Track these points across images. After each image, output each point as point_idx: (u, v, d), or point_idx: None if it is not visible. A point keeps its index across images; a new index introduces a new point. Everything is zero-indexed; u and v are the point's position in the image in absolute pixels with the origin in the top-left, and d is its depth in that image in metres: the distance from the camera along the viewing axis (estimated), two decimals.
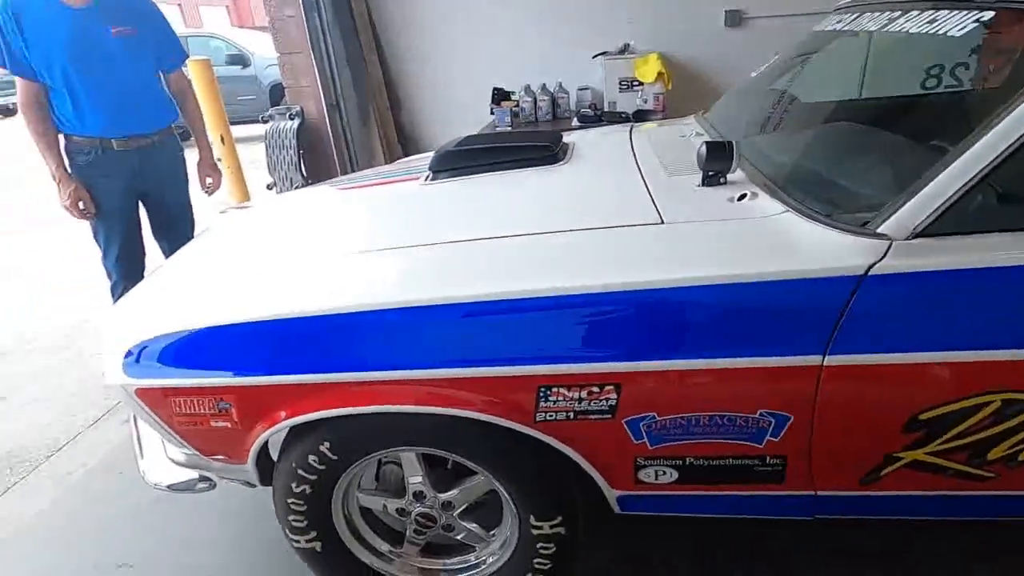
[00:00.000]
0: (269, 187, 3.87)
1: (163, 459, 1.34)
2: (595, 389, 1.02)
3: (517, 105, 3.66)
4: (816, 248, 0.98)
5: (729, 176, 1.26)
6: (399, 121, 4.11)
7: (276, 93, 8.61)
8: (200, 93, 3.38)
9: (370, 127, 3.98)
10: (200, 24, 29.79)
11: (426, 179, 1.61)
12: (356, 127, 3.87)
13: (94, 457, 2.11)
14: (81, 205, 2.14)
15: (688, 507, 1.18)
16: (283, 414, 1.13)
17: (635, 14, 3.65)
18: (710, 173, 1.25)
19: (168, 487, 1.33)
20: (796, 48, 1.80)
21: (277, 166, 3.70)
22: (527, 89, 3.69)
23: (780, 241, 1.02)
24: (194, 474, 1.32)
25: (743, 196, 1.17)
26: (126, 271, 2.29)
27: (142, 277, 2.29)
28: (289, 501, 1.24)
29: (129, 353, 1.17)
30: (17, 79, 2.04)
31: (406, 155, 4.12)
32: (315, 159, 3.71)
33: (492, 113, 3.66)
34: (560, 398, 1.04)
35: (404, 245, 1.26)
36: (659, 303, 1.00)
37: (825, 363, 0.95)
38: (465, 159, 1.62)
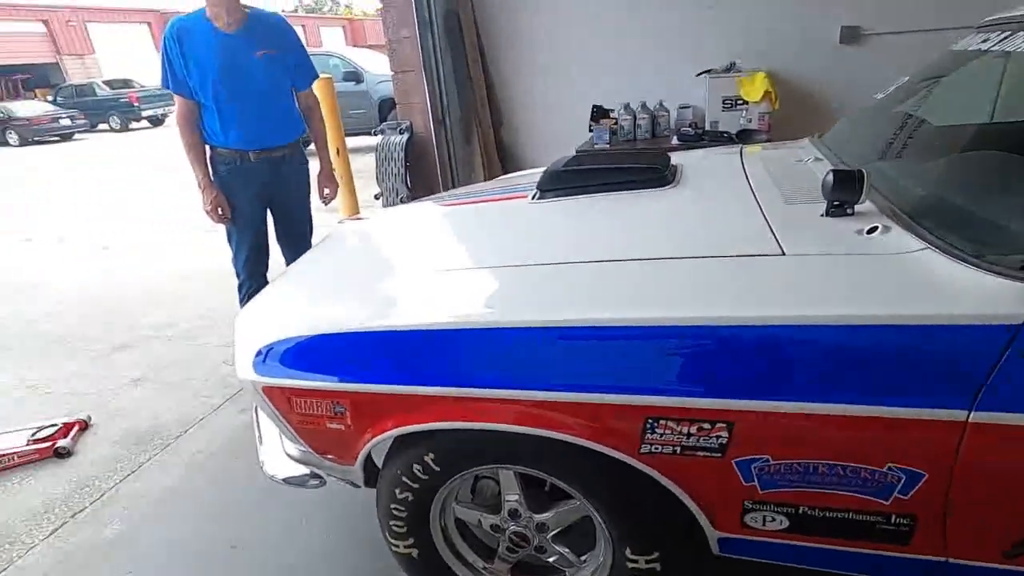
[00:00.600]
0: (376, 196, 4.03)
1: (280, 453, 1.41)
2: (705, 425, 0.97)
3: (616, 123, 3.60)
4: (963, 291, 0.88)
5: (856, 207, 1.16)
6: (499, 137, 4.16)
7: (385, 108, 9.00)
8: (324, 107, 3.58)
9: (472, 142, 4.06)
10: (320, 42, 31.85)
11: (533, 197, 1.60)
12: (459, 142, 3.96)
13: (215, 441, 2.25)
14: (220, 211, 2.30)
15: (796, 557, 1.09)
16: (392, 422, 1.15)
17: (742, 31, 3.52)
18: (835, 203, 1.16)
19: (283, 480, 1.38)
20: (930, 68, 1.65)
21: (385, 177, 3.84)
22: (626, 107, 3.63)
23: (919, 281, 0.93)
24: (306, 470, 1.37)
25: (873, 229, 1.08)
26: (251, 271, 2.44)
27: (265, 278, 2.45)
28: (391, 506, 1.26)
29: (259, 352, 1.23)
30: (176, 97, 2.23)
31: (505, 171, 4.17)
32: (419, 172, 3.82)
33: (591, 131, 3.63)
34: (667, 431, 0.99)
35: (512, 264, 1.26)
36: (780, 340, 0.93)
37: (971, 419, 0.84)
38: (573, 179, 1.60)
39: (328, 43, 32.65)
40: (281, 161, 2.35)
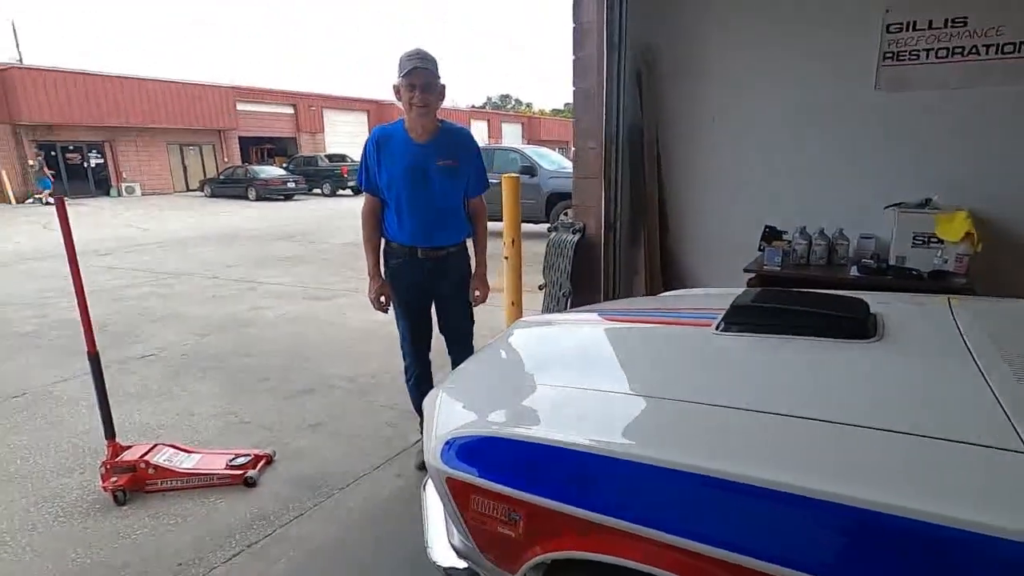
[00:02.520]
0: (540, 287, 4.15)
1: (444, 540, 1.42)
2: None
3: (789, 245, 3.43)
4: None
5: None
6: (664, 245, 4.14)
7: (552, 201, 9.44)
8: (507, 201, 3.83)
9: (638, 247, 4.09)
10: (500, 136, 34.79)
11: (718, 328, 1.54)
12: (625, 246, 4.00)
13: (372, 501, 2.35)
14: (382, 300, 2.44)
15: None
16: (562, 544, 1.11)
17: (942, 165, 3.25)
18: None
19: (444, 569, 1.39)
20: None
21: (552, 270, 3.96)
22: (802, 231, 3.44)
23: None
24: (466, 565, 1.36)
25: None
26: (415, 356, 2.55)
27: (428, 361, 2.59)
28: None
29: (447, 443, 1.27)
30: (366, 194, 2.43)
31: (665, 278, 4.12)
32: (584, 269, 3.89)
33: (761, 250, 3.48)
34: None
35: (701, 401, 1.20)
36: None
37: None
38: (763, 316, 1.51)
39: (507, 137, 35.56)
40: (444, 259, 2.43)
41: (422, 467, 2.51)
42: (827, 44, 3.41)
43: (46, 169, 19.19)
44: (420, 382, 2.55)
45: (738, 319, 1.53)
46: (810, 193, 3.62)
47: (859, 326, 1.42)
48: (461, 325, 2.57)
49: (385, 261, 2.46)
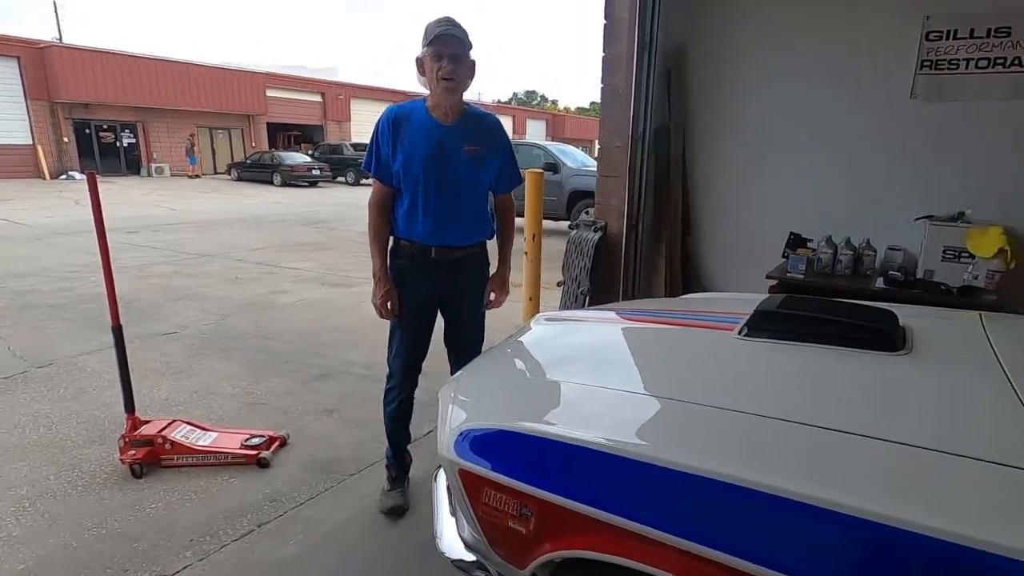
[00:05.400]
0: (559, 284, 4.12)
1: (453, 531, 1.41)
2: None
3: (814, 254, 3.36)
4: None
5: None
6: (685, 246, 4.09)
7: (574, 199, 9.38)
8: (530, 197, 3.81)
9: (659, 248, 4.04)
10: (525, 132, 34.75)
11: (740, 333, 1.50)
12: (647, 246, 3.95)
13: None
14: (389, 305, 2.09)
15: None
16: (574, 543, 1.09)
17: (977, 178, 3.16)
18: None
19: (453, 561, 1.37)
20: None
21: (571, 268, 3.93)
22: (828, 240, 3.37)
23: None
24: (475, 558, 1.34)
25: None
26: (404, 374, 2.20)
27: (416, 384, 2.24)
28: None
29: (461, 434, 1.26)
30: (374, 181, 2.08)
31: (684, 279, 4.07)
32: (602, 268, 3.85)
33: (784, 257, 3.41)
34: None
35: (722, 407, 1.17)
36: None
37: None
38: (789, 323, 1.47)
39: (531, 133, 35.47)
40: (461, 261, 2.12)
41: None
42: (862, 51, 3.33)
43: (197, 148, 21.55)
44: (402, 409, 2.22)
45: (762, 325, 1.49)
46: (837, 201, 3.55)
47: (888, 338, 1.38)
48: (470, 338, 2.24)
49: (392, 260, 2.12)
